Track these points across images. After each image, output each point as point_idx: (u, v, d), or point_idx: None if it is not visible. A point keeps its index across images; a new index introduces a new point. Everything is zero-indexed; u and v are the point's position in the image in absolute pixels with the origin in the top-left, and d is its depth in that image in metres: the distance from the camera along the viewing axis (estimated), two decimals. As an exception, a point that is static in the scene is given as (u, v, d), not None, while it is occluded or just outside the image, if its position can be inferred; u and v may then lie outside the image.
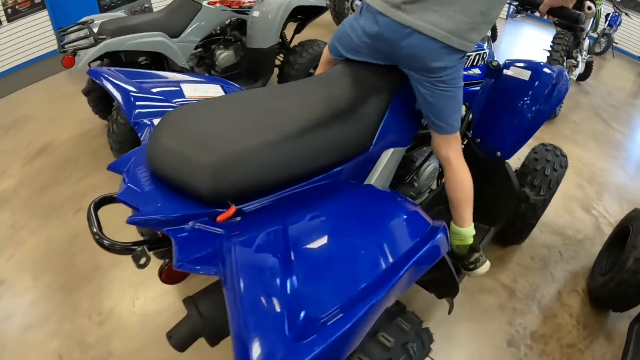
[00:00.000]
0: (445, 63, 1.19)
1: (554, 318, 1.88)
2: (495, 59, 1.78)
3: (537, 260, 2.15)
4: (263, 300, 0.74)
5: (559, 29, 3.85)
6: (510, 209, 1.79)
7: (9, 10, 3.73)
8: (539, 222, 2.19)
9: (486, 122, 1.69)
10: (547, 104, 1.59)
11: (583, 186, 2.86)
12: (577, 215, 2.56)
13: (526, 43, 5.71)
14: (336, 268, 0.83)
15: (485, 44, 1.77)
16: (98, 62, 2.68)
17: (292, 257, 0.82)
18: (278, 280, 0.77)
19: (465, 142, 1.83)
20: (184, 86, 1.44)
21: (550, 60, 3.42)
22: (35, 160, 2.70)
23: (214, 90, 1.49)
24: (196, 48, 3.12)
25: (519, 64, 1.67)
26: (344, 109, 1.15)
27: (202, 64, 3.26)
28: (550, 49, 3.49)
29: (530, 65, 1.66)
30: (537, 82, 1.61)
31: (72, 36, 2.60)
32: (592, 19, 3.87)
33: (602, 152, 3.35)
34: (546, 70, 1.64)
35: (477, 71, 1.63)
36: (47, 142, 2.87)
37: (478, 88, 1.67)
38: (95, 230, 0.90)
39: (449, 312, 1.34)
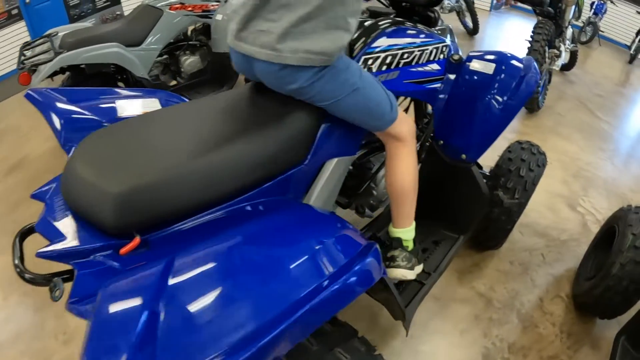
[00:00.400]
0: (299, 83, 1.04)
1: (535, 328, 1.74)
2: (460, 53, 1.66)
3: (517, 265, 2.02)
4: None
5: (540, 18, 3.73)
6: (480, 216, 1.66)
7: (-14, 23, 3.63)
8: (520, 223, 2.07)
9: (449, 122, 1.55)
10: (514, 98, 1.45)
11: (568, 182, 2.72)
12: (562, 213, 2.42)
13: (510, 35, 5.57)
14: (234, 303, 0.74)
15: (448, 37, 1.65)
16: (63, 75, 2.61)
17: (175, 297, 0.71)
18: (147, 324, 0.66)
19: (428, 145, 1.70)
20: (119, 103, 1.35)
21: (531, 50, 3.29)
22: (9, 176, 2.61)
23: (151, 105, 1.38)
24: (161, 55, 3.02)
25: (482, 57, 1.53)
26: (271, 123, 1.07)
27: (168, 71, 3.16)
28: (530, 39, 3.36)
29: (494, 57, 1.53)
30: (502, 76, 1.47)
31: (37, 50, 2.53)
32: (574, 7, 3.73)
33: (588, 144, 3.22)
34: (513, 62, 1.51)
35: (435, 67, 1.49)
36: (22, 157, 2.78)
37: (439, 85, 1.53)
38: (17, 262, 0.89)
39: (406, 335, 1.21)
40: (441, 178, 1.64)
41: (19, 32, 3.88)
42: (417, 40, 1.40)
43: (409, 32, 1.40)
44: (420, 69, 1.42)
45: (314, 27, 0.98)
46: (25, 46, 2.60)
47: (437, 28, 1.59)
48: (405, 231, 1.37)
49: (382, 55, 1.32)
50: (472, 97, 1.49)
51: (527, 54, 3.27)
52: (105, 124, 1.21)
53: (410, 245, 1.38)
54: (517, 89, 1.45)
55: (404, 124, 1.24)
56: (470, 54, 1.56)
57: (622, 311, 1.61)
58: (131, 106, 1.34)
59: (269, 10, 0.98)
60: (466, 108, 1.50)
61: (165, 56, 3.07)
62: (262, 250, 0.88)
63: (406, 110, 1.91)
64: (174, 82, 3.20)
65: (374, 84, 1.16)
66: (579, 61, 4.35)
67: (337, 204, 1.55)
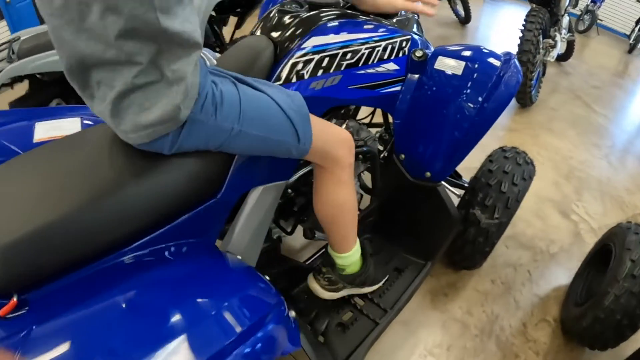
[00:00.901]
0: (168, 150, 0.82)
1: (515, 358, 1.52)
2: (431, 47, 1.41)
3: (499, 284, 1.79)
4: None
5: (533, 5, 3.47)
6: (448, 241, 1.43)
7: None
8: (504, 234, 1.84)
9: (411, 133, 1.31)
10: (490, 104, 1.21)
11: (560, 184, 2.50)
12: (552, 221, 2.20)
13: (505, 24, 5.29)
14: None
15: (414, 28, 1.40)
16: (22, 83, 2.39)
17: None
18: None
19: (388, 159, 1.46)
20: (38, 126, 1.18)
21: (523, 41, 3.03)
22: None
23: (70, 126, 1.20)
24: None
25: (450, 53, 1.29)
26: (170, 156, 0.85)
27: None
28: (522, 28, 3.10)
29: (465, 53, 1.28)
30: (474, 76, 1.22)
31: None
32: (570, -6, 3.48)
33: (583, 140, 2.99)
34: (489, 59, 1.26)
35: (392, 67, 1.24)
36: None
37: (399, 88, 1.29)
38: None
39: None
40: (405, 196, 1.41)
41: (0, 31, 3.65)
42: (364, 36, 1.15)
43: (352, 26, 1.16)
44: (370, 70, 1.18)
45: (135, 98, 0.72)
46: None
47: (397, 19, 1.34)
48: (341, 257, 1.18)
49: (316, 57, 1.07)
50: (438, 102, 1.25)
51: (519, 45, 3.02)
52: (19, 152, 1.05)
53: (347, 269, 1.20)
54: (494, 92, 1.20)
55: (332, 146, 0.99)
56: (437, 49, 1.31)
57: (613, 345, 1.39)
58: (48, 130, 1.17)
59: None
60: (431, 116, 1.26)
61: None
62: (145, 311, 0.74)
63: (372, 115, 1.68)
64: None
65: (264, 118, 0.88)
66: (576, 51, 4.11)
67: (281, 230, 1.33)
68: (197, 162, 0.88)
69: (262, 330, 0.70)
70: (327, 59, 1.09)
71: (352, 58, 1.13)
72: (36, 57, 2.26)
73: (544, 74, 3.43)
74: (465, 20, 4.77)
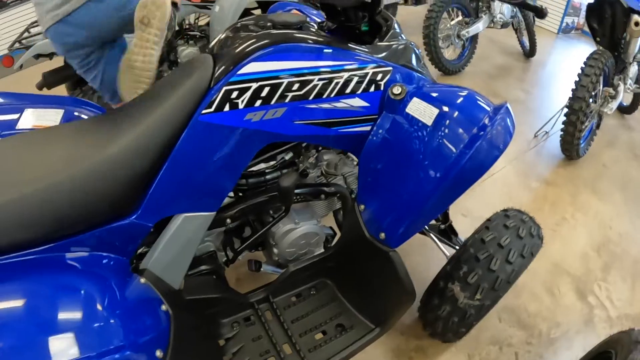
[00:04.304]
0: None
1: None
2: (436, 81, 1.27)
3: (477, 364, 1.61)
4: None
5: (599, 47, 3.15)
6: (400, 314, 1.27)
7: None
8: (501, 304, 1.66)
9: (373, 183, 1.18)
10: (461, 165, 1.03)
11: (587, 257, 2.22)
12: (564, 299, 1.95)
13: (574, 63, 4.83)
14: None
15: (412, 60, 1.24)
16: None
17: None
18: None
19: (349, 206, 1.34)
20: (26, 112, 1.22)
21: (578, 86, 2.74)
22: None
23: (52, 117, 1.23)
24: None
25: (428, 95, 1.12)
26: (88, 165, 0.89)
27: (166, 60, 3.01)
28: (580, 72, 2.80)
29: (445, 97, 1.11)
30: (446, 130, 1.06)
31: (35, 30, 2.49)
32: (641, 39, 3.10)
33: (629, 208, 2.64)
34: (470, 109, 1.09)
35: (357, 102, 1.10)
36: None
37: (367, 128, 1.16)
38: None
39: None
40: (361, 250, 1.27)
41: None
42: (319, 64, 1.04)
43: (306, 52, 1.04)
44: (325, 105, 1.06)
45: None
46: (34, 23, 2.57)
47: (387, 43, 1.20)
48: None
49: (254, 85, 0.98)
50: (403, 154, 1.11)
51: (573, 90, 2.74)
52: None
53: None
54: (468, 151, 1.03)
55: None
56: (416, 88, 1.15)
57: None
58: (34, 118, 1.21)
59: None
60: (394, 169, 1.12)
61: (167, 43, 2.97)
62: (13, 312, 0.76)
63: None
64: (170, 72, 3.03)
65: None
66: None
67: (226, 256, 1.31)
68: (111, 181, 0.90)
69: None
70: (267, 89, 1.00)
71: (299, 89, 1.02)
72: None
73: (598, 126, 3.10)
74: (530, 53, 4.44)
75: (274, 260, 1.39)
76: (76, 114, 1.27)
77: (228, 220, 1.22)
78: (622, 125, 3.57)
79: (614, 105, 2.97)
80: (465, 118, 1.06)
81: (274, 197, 1.25)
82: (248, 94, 0.99)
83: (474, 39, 3.97)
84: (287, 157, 1.27)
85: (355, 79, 1.08)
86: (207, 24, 3.04)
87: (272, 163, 1.29)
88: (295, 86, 1.02)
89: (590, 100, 2.77)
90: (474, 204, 2.37)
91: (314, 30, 1.19)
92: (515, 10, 4.15)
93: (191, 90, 0.99)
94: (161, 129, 0.96)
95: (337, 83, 1.05)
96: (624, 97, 3.17)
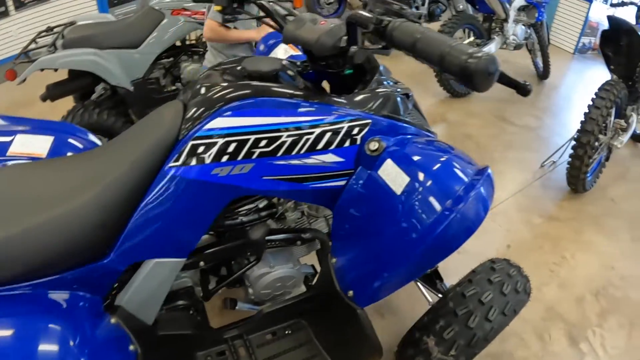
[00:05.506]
0: None
1: None
2: (429, 128, 1.25)
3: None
4: None
5: (614, 76, 3.06)
6: None
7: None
8: (485, 350, 1.60)
9: (345, 239, 1.15)
10: (431, 239, 0.98)
11: (584, 301, 2.14)
12: (555, 345, 1.89)
13: (590, 86, 4.72)
14: None
15: (399, 108, 1.17)
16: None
17: None
18: None
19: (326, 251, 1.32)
20: (18, 137, 1.25)
21: (587, 118, 2.64)
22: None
23: (41, 145, 1.25)
24: (166, 58, 2.96)
25: (404, 158, 1.07)
26: (60, 205, 0.93)
27: (169, 75, 3.04)
28: (591, 102, 2.71)
29: (417, 162, 1.06)
30: (415, 202, 1.01)
31: (42, 42, 2.53)
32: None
33: (636, 249, 2.55)
34: (448, 179, 1.04)
35: (330, 158, 1.07)
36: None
37: (342, 183, 1.13)
38: None
39: None
40: (332, 298, 1.24)
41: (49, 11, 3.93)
42: (287, 120, 1.01)
43: (275, 106, 1.02)
44: (295, 161, 1.04)
45: None
46: (42, 33, 2.61)
47: (370, 92, 1.15)
48: None
49: (220, 141, 0.97)
50: (373, 216, 1.07)
51: (582, 122, 2.65)
52: None
53: None
54: (437, 227, 0.98)
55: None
56: (392, 148, 1.09)
57: None
58: (22, 145, 1.23)
59: None
60: (366, 229, 1.09)
61: (171, 59, 3.01)
62: None
63: None
64: (173, 88, 3.05)
65: None
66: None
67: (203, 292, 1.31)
68: (83, 227, 0.93)
69: None
70: (233, 145, 0.98)
71: (267, 146, 1.00)
72: (63, 54, 2.43)
73: (607, 158, 3.00)
74: (543, 75, 4.35)
75: (250, 299, 1.38)
76: (67, 141, 1.29)
77: (201, 263, 1.23)
78: (634, 155, 3.45)
79: (624, 138, 2.87)
80: (438, 189, 1.01)
81: (247, 242, 1.23)
82: (214, 150, 0.98)
83: (485, 60, 3.90)
84: (260, 205, 1.26)
85: (329, 134, 1.04)
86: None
87: (248, 206, 1.27)
88: (263, 143, 1.00)
89: (600, 133, 2.68)
90: (470, 240, 2.28)
91: (292, 73, 1.17)
92: (529, 31, 4.07)
93: (159, 142, 1.00)
94: (131, 178, 0.98)
95: (307, 139, 1.03)
96: (638, 124, 3.07)
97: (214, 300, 1.51)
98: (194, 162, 0.98)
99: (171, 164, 0.97)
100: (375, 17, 0.96)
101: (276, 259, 1.35)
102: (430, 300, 1.55)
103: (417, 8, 4.39)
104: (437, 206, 1.00)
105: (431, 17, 4.42)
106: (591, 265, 2.36)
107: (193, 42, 3.14)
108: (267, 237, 1.27)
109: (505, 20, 3.81)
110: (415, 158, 1.07)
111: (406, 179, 1.02)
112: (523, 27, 3.98)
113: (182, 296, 1.28)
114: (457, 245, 1.03)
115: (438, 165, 1.06)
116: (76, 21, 2.70)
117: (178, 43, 2.96)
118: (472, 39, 3.79)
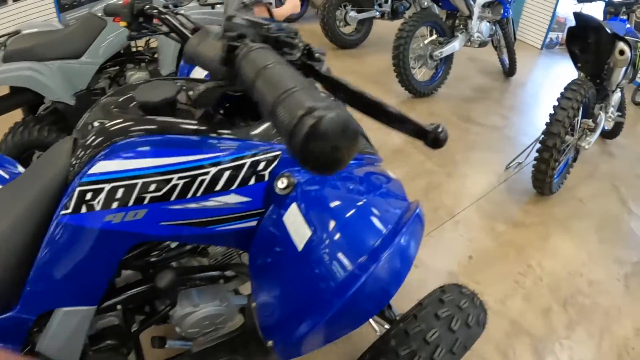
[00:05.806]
0: None
1: None
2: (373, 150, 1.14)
3: None
4: None
5: (581, 74, 2.99)
6: None
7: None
8: None
9: (263, 282, 1.01)
10: (338, 305, 0.84)
11: (551, 312, 2.05)
12: (520, 364, 1.79)
13: (558, 81, 4.70)
14: None
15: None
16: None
17: None
18: None
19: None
20: None
21: (553, 120, 2.56)
22: None
23: None
24: (111, 67, 2.79)
25: (310, 202, 0.92)
26: None
27: (115, 85, 2.86)
28: (557, 103, 2.62)
29: (326, 211, 0.92)
30: (319, 261, 0.87)
31: None
32: (624, 68, 2.93)
33: (604, 250, 2.48)
34: (358, 231, 0.89)
35: (234, 199, 0.92)
36: None
37: (254, 223, 0.99)
38: None
39: None
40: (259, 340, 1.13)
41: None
42: (179, 160, 0.87)
43: (163, 146, 0.88)
44: (192, 205, 0.89)
45: None
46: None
47: (263, 128, 1.01)
48: None
49: (107, 186, 0.84)
50: (287, 267, 0.94)
51: (547, 124, 2.56)
52: None
53: None
54: (349, 287, 0.84)
55: None
56: (302, 186, 0.94)
57: None
58: None
59: None
60: (280, 279, 0.96)
61: (116, 67, 2.82)
62: None
63: None
64: (121, 98, 2.88)
65: None
66: (630, 127, 3.52)
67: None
68: None
69: None
70: (121, 190, 0.85)
71: (157, 190, 0.86)
72: (6, 67, 2.24)
73: (575, 159, 2.93)
74: (509, 72, 4.30)
75: (180, 336, 1.25)
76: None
77: (118, 307, 1.12)
78: (602, 152, 3.40)
79: (592, 138, 2.79)
80: (348, 244, 0.86)
81: (155, 287, 1.10)
82: (102, 196, 0.86)
83: (449, 58, 3.80)
84: (172, 246, 1.12)
85: (228, 172, 0.89)
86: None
87: (160, 246, 1.13)
88: (152, 187, 0.86)
89: (567, 134, 2.60)
90: (429, 252, 2.20)
91: (185, 106, 1.00)
92: (494, 28, 4.00)
93: (48, 188, 0.92)
94: (25, 227, 0.91)
95: (202, 180, 0.88)
96: (606, 121, 3.01)
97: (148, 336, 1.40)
98: (84, 209, 0.86)
99: (63, 212, 0.87)
100: (225, 42, 0.72)
101: (201, 297, 1.21)
102: (377, 330, 1.44)
103: (380, 5, 4.29)
104: (347, 265, 0.86)
105: (395, 14, 4.32)
106: (558, 273, 2.27)
107: (141, 48, 2.97)
108: (186, 276, 1.15)
109: (470, 17, 3.73)
110: (327, 202, 0.93)
111: (307, 233, 0.88)
112: (488, 23, 3.91)
113: (110, 336, 1.18)
114: (376, 309, 0.91)
115: (352, 211, 0.90)
116: (21, 30, 2.51)
117: (123, 51, 2.79)
118: (434, 37, 3.69)
